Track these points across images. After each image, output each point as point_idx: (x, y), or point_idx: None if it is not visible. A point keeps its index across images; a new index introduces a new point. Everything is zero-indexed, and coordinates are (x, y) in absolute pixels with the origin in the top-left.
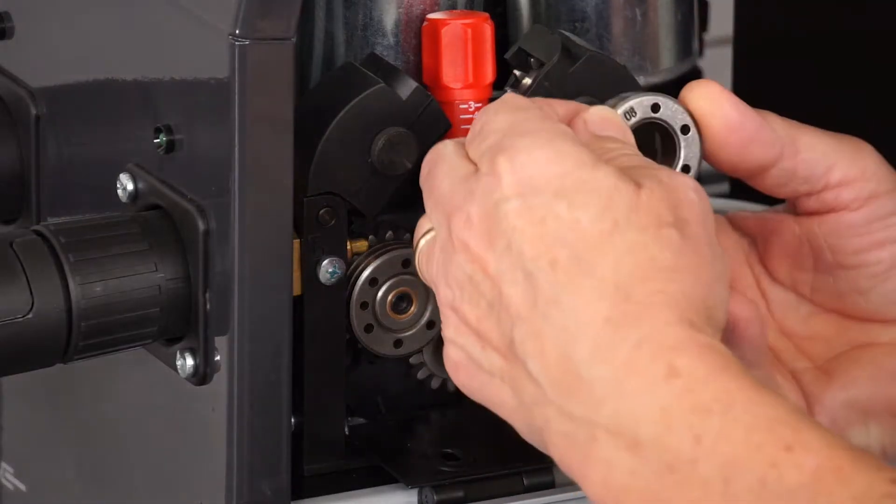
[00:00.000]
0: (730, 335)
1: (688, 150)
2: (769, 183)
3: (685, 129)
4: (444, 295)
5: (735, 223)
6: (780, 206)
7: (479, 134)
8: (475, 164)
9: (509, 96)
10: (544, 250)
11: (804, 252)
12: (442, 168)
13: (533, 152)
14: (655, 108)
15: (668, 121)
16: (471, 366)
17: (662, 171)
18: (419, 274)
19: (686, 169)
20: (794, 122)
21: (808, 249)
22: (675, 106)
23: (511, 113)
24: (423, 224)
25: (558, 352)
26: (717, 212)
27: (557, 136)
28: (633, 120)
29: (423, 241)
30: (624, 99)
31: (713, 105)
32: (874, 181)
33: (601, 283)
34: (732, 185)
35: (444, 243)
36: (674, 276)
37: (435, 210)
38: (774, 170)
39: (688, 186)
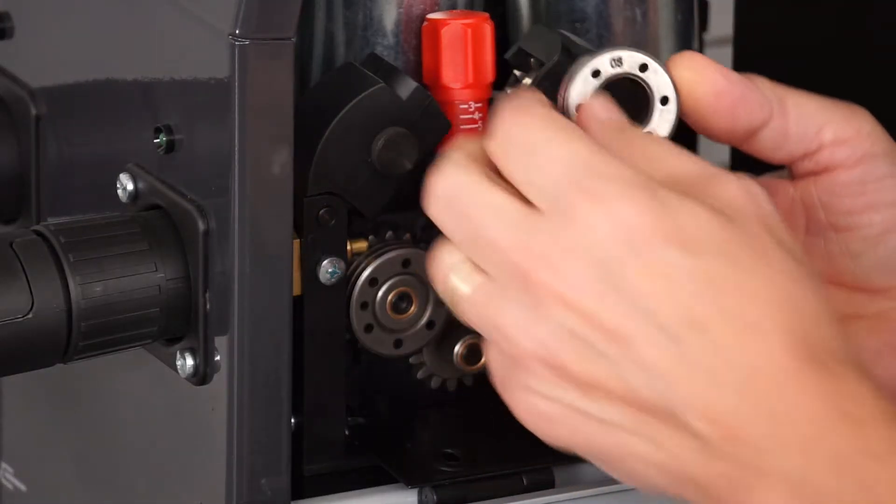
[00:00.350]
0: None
1: (660, 122)
2: (764, 146)
3: (664, 101)
4: (526, 347)
5: None
6: (779, 172)
7: (530, 162)
8: (516, 193)
9: (533, 104)
10: (680, 308)
11: (797, 213)
12: (478, 204)
13: (626, 199)
14: (644, 67)
15: (651, 86)
16: (574, 417)
17: (723, 184)
18: (463, 317)
19: (664, 101)
20: (784, 86)
21: (801, 210)
22: (665, 74)
23: (563, 139)
24: (445, 257)
25: (724, 405)
26: None
27: (638, 175)
28: (618, 70)
29: (461, 283)
30: (613, 49)
31: (698, 73)
32: (869, 141)
33: (765, 334)
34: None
35: (517, 294)
36: (804, 310)
37: (486, 255)
38: (767, 131)
39: (756, 195)
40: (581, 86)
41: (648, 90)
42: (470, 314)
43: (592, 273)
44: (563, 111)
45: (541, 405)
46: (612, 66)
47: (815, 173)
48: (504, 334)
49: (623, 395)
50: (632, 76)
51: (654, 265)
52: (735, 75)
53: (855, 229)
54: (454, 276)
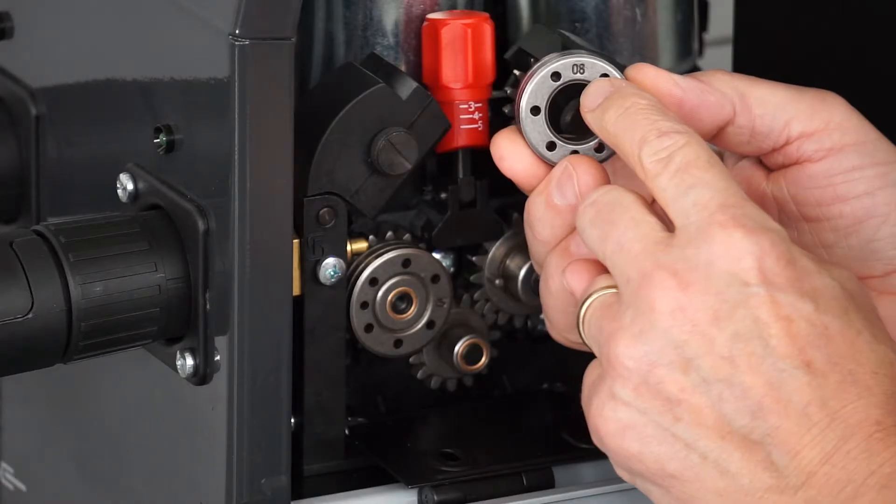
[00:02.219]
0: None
1: None
2: (731, 142)
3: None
4: (626, 353)
5: None
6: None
7: (683, 181)
8: (657, 214)
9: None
10: (797, 351)
11: (768, 205)
12: (624, 216)
13: (768, 234)
14: (604, 77)
15: (590, 77)
16: (652, 432)
17: (838, 268)
18: (581, 332)
19: None
20: (749, 78)
21: (773, 202)
22: (601, 65)
23: (714, 167)
24: (599, 282)
25: (817, 451)
26: None
27: (780, 230)
28: (579, 76)
29: (595, 298)
30: (579, 54)
31: (651, 86)
32: (838, 133)
33: (867, 391)
34: None
35: (634, 300)
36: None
37: (615, 260)
38: (732, 128)
39: (860, 283)
40: (539, 85)
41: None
42: (588, 319)
43: (715, 291)
44: (517, 108)
45: (621, 412)
46: (574, 72)
47: (784, 166)
48: (609, 337)
49: (711, 419)
50: (573, 82)
51: (779, 304)
52: (688, 81)
53: (825, 220)
54: (596, 290)
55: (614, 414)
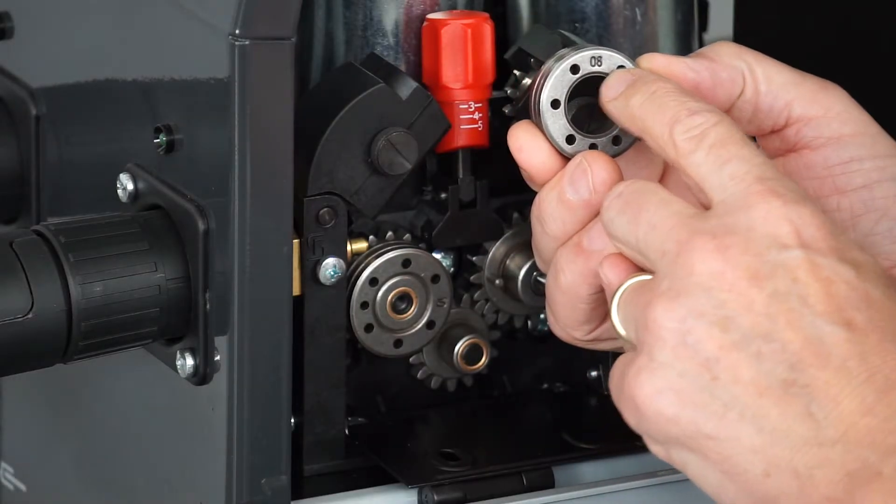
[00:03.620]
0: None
1: None
2: (736, 117)
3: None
4: (665, 316)
5: None
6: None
7: (719, 156)
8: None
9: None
10: (836, 309)
11: None
12: (651, 199)
13: (808, 205)
14: (620, 69)
15: (607, 70)
16: (689, 393)
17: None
18: (615, 319)
19: None
20: (755, 53)
21: None
22: (618, 57)
23: (743, 141)
24: (622, 271)
25: (857, 402)
26: None
27: (818, 204)
28: (597, 68)
29: (630, 283)
30: (594, 47)
31: (665, 73)
32: (838, 122)
33: None
34: None
35: (671, 267)
36: None
37: (646, 240)
38: (739, 102)
39: None
40: (559, 78)
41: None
42: (623, 301)
43: (755, 253)
44: (535, 101)
45: (658, 376)
46: (592, 65)
47: (783, 152)
48: (646, 306)
49: (748, 376)
50: (606, 76)
51: (820, 267)
52: (700, 62)
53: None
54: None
55: (651, 378)
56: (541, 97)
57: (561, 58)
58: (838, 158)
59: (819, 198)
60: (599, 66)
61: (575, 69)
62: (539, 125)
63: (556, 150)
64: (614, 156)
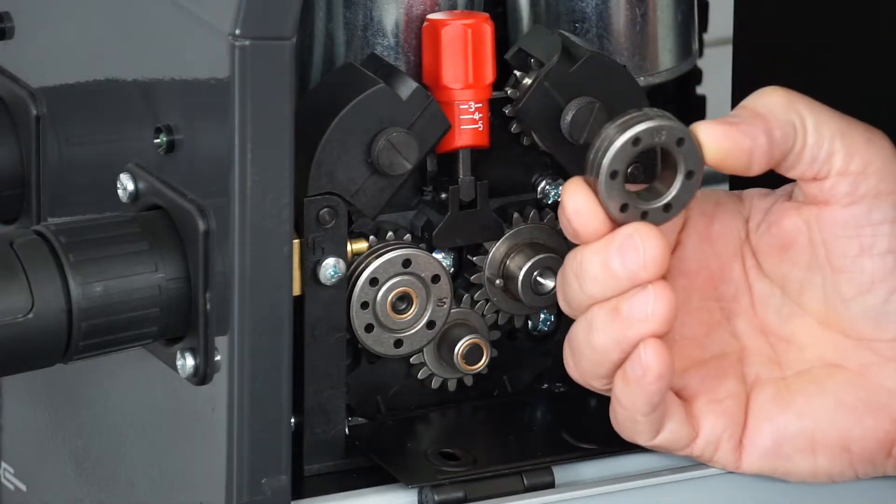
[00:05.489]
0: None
1: (682, 191)
2: (782, 169)
3: (680, 142)
4: None
5: (745, 199)
6: (787, 187)
7: None
8: None
9: None
10: None
11: (800, 244)
12: None
13: None
14: (681, 142)
15: (682, 159)
16: None
17: None
18: None
19: (689, 175)
20: (806, 100)
21: (806, 243)
22: (697, 149)
23: None
24: None
25: None
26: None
27: None
28: (658, 140)
29: None
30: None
31: (729, 149)
32: (875, 178)
33: None
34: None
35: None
36: None
37: None
38: (789, 154)
39: None
40: (621, 150)
41: (678, 162)
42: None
43: None
44: (594, 166)
45: None
46: (654, 138)
47: (819, 203)
48: None
49: None
50: (668, 148)
51: None
52: (753, 126)
53: (847, 273)
54: None
55: None
56: (602, 165)
57: (624, 127)
58: (869, 219)
59: (846, 256)
60: (661, 139)
61: (637, 142)
62: (593, 187)
63: (607, 214)
64: (663, 222)
